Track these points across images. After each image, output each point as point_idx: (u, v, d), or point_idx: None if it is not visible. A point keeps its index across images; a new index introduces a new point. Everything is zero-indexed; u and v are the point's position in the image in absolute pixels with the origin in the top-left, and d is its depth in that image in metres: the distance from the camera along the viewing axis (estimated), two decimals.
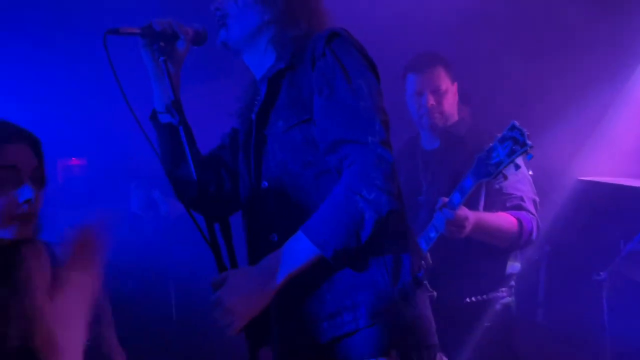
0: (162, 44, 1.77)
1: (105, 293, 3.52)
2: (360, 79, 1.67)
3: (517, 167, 2.44)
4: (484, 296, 2.88)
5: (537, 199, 2.91)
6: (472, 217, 2.66)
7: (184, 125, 1.73)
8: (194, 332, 3.80)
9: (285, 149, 1.74)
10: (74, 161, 4.53)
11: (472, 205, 2.77)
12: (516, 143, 2.37)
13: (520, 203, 2.83)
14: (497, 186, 2.85)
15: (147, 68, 1.83)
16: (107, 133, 4.01)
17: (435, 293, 2.60)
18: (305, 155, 1.71)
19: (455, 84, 3.00)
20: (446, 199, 2.63)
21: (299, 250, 1.62)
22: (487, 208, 2.86)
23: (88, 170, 4.45)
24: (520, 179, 2.87)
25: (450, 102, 2.98)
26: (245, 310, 1.62)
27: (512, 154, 2.37)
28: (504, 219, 2.79)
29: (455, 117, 3.03)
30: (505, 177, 2.52)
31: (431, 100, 2.93)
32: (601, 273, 3.28)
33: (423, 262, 1.80)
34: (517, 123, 2.38)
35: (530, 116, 3.25)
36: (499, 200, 2.85)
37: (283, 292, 1.67)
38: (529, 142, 2.36)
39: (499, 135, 2.45)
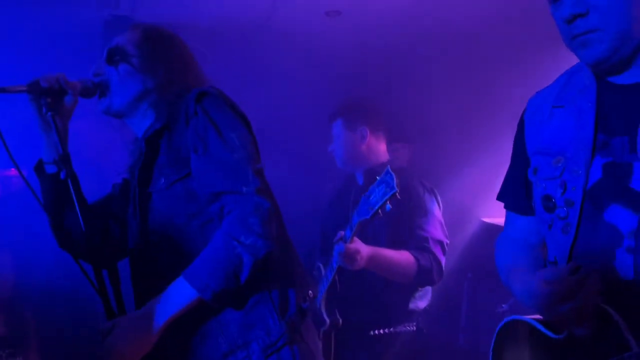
0: (49, 99, 1.82)
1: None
2: (232, 132, 1.78)
3: (388, 207, 2.51)
4: (389, 329, 3.10)
5: (446, 241, 3.15)
6: (365, 251, 2.87)
7: (72, 178, 1.79)
8: None
9: (170, 204, 1.84)
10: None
11: (375, 241, 3.02)
12: (387, 186, 2.50)
13: (424, 244, 3.07)
14: (407, 226, 3.08)
15: (34, 121, 1.87)
16: None
17: (340, 320, 2.80)
18: (189, 208, 1.81)
19: (363, 129, 3.32)
20: (342, 233, 2.84)
21: (179, 294, 1.71)
22: (396, 245, 3.07)
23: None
24: (430, 221, 3.11)
25: (351, 148, 3.35)
26: (134, 353, 1.71)
27: (384, 195, 2.51)
28: (403, 257, 3.02)
29: (379, 158, 3.28)
30: (380, 215, 2.59)
31: (330, 147, 3.45)
32: (503, 305, 3.58)
33: (310, 291, 1.93)
34: (389, 168, 2.52)
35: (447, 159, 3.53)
36: (407, 240, 3.09)
37: (178, 339, 1.79)
38: (395, 187, 2.46)
39: (378, 178, 2.59)
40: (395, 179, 2.45)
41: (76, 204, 1.74)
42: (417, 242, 3.08)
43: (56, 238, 1.96)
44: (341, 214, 3.20)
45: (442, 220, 3.18)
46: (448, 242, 3.14)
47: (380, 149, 3.41)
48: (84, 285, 3.50)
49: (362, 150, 3.38)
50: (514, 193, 1.81)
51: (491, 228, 3.58)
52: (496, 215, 3.56)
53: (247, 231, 1.69)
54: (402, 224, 3.07)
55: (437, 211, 3.16)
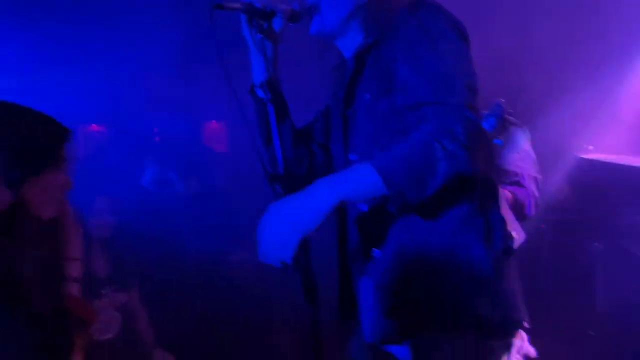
0: (260, 21, 1.76)
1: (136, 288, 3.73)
2: (446, 44, 1.62)
3: (500, 142, 2.48)
4: None
5: (539, 177, 3.05)
6: None
7: (275, 104, 1.71)
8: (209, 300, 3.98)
9: (374, 120, 1.71)
10: (94, 127, 4.64)
11: None
12: (497, 118, 2.48)
13: (517, 179, 2.98)
14: (499, 163, 2.99)
15: (247, 44, 1.82)
16: (128, 104, 4.11)
17: None
18: (394, 124, 1.66)
19: None
20: None
21: (358, 178, 1.50)
22: None
23: (107, 138, 4.55)
24: (523, 157, 3.00)
25: None
26: (285, 240, 1.48)
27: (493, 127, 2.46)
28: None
29: None
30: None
31: None
32: (595, 243, 3.46)
33: (514, 233, 1.80)
34: (500, 101, 2.44)
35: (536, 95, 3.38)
36: (499, 177, 3.00)
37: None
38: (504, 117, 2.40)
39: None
40: (504, 110, 2.37)
41: (274, 130, 1.63)
42: (510, 178, 3.00)
43: (264, 164, 1.80)
44: None
45: (534, 157, 3.07)
46: (541, 177, 3.03)
47: None
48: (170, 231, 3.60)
49: None
50: None
51: (588, 165, 3.43)
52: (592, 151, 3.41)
53: (450, 137, 1.49)
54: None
55: (529, 147, 3.05)
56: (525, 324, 1.75)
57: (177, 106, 4.49)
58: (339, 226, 1.91)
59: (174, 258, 3.87)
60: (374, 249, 1.76)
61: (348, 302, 1.91)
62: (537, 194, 3.00)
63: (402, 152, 1.52)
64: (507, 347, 1.74)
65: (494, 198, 1.76)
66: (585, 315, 3.60)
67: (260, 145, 1.87)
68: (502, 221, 1.73)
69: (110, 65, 4.02)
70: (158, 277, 3.88)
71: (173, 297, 3.83)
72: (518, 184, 2.97)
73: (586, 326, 3.58)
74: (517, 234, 1.75)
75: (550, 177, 3.49)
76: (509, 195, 2.93)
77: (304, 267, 1.46)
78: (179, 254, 3.88)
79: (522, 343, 1.80)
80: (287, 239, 1.48)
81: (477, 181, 1.67)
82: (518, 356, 1.80)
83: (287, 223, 1.48)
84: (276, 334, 4.17)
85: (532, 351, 2.27)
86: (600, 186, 3.59)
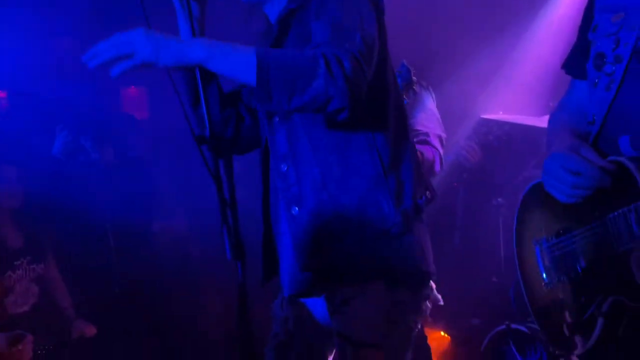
0: None
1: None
2: (353, 1, 1.70)
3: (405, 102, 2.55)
4: None
5: (444, 136, 3.23)
6: None
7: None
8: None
9: None
10: None
11: None
12: (404, 80, 2.57)
13: (425, 138, 3.14)
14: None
15: (173, 3, 1.82)
16: (39, 70, 3.93)
17: None
18: None
19: None
20: None
21: (240, 52, 1.57)
22: None
23: (9, 105, 4.33)
24: (428, 117, 3.17)
25: None
26: (154, 49, 1.53)
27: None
28: None
29: None
30: None
31: None
32: (499, 199, 3.73)
33: (428, 192, 1.88)
34: (405, 62, 2.56)
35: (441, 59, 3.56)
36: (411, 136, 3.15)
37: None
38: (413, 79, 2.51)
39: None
40: (412, 72, 2.47)
41: (201, 94, 1.59)
42: (418, 137, 3.15)
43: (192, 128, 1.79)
44: None
45: (439, 117, 3.23)
46: (446, 136, 3.21)
47: None
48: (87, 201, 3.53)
49: None
50: (575, 57, 1.77)
51: (490, 124, 3.65)
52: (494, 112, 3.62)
53: (337, 64, 1.53)
54: None
55: (434, 107, 3.21)
56: (433, 275, 1.88)
57: (92, 72, 4.32)
58: (263, 188, 1.98)
59: (91, 228, 3.80)
60: (294, 206, 1.84)
61: (271, 260, 1.99)
62: (441, 151, 3.16)
63: (288, 54, 1.63)
64: (418, 297, 1.87)
65: (407, 156, 1.84)
66: (489, 263, 3.88)
67: (187, 107, 1.89)
68: (413, 179, 1.82)
69: (17, 30, 3.83)
70: (75, 248, 3.81)
71: (92, 266, 3.78)
72: (425, 142, 3.12)
73: (491, 274, 3.86)
74: (429, 192, 1.89)
75: (454, 136, 3.71)
76: (418, 154, 3.09)
77: (232, 225, 1.49)
78: (97, 224, 3.81)
79: (430, 292, 1.94)
80: (147, 49, 1.52)
81: (389, 139, 1.77)
82: (427, 303, 1.91)
83: (155, 41, 1.53)
84: (203, 295, 4.20)
85: (439, 298, 2.46)
86: (501, 145, 3.84)
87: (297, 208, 1.83)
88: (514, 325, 2.90)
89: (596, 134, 1.64)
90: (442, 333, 3.98)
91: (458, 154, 3.80)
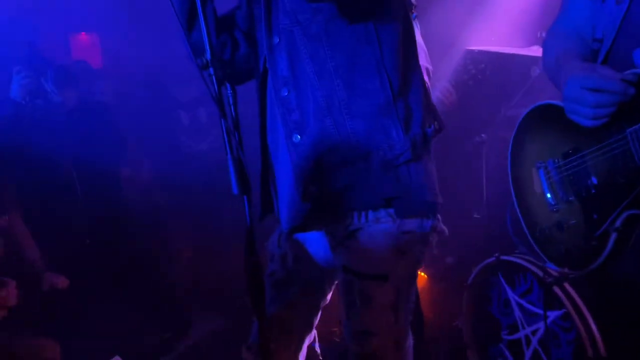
0: None
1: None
2: None
3: None
4: None
5: (431, 68, 3.09)
6: None
7: None
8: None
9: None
10: None
11: None
12: None
13: None
14: None
15: None
16: None
17: None
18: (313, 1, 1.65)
19: None
20: None
21: None
22: None
23: None
24: None
25: None
26: None
27: None
28: None
29: None
30: None
31: None
32: (482, 135, 3.62)
33: (436, 122, 1.81)
34: None
35: None
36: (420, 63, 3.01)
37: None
38: None
39: None
40: None
41: (200, 16, 1.54)
42: None
43: (191, 52, 1.74)
44: None
45: (425, 48, 3.09)
46: (432, 68, 3.07)
47: None
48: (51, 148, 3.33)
49: None
50: None
51: (475, 55, 3.53)
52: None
53: None
54: None
55: (420, 38, 3.06)
56: (440, 205, 1.81)
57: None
58: (260, 116, 1.87)
59: (56, 176, 3.61)
60: (295, 134, 1.72)
61: (269, 196, 1.89)
62: (429, 84, 3.05)
63: None
64: (425, 228, 1.78)
65: (416, 81, 1.76)
66: (469, 200, 3.82)
67: (183, 37, 1.75)
68: (422, 106, 1.74)
69: None
70: (41, 198, 3.62)
71: (60, 216, 3.60)
72: None
73: (471, 211, 3.80)
74: (437, 122, 1.79)
75: (438, 70, 3.58)
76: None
77: (237, 158, 1.44)
78: (63, 172, 3.62)
79: (437, 223, 1.84)
80: None
81: (398, 61, 1.67)
82: (434, 234, 1.83)
83: None
84: (171, 243, 4.11)
85: (445, 229, 2.36)
86: (486, 78, 3.72)
87: (298, 135, 1.74)
88: (503, 257, 2.85)
89: (607, 50, 1.56)
90: (420, 272, 3.95)
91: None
